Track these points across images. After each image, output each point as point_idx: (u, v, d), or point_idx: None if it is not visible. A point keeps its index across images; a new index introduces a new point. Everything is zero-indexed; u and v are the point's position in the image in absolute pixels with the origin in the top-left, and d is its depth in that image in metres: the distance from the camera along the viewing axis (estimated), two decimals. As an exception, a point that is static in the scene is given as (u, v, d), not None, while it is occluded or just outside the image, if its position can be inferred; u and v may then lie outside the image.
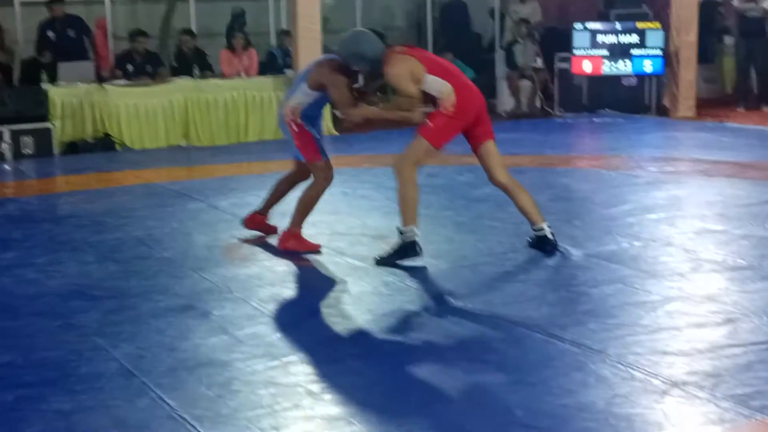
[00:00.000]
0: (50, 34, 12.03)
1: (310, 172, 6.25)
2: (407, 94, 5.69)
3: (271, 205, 6.62)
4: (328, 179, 6.21)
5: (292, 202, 6.30)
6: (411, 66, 5.74)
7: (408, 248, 5.74)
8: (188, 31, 12.78)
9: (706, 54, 15.01)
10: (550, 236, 6.00)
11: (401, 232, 5.77)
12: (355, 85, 5.97)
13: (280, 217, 7.03)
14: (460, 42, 15.22)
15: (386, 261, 5.77)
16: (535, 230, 6.05)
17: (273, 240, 6.42)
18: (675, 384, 3.82)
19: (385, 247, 5.92)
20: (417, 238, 5.74)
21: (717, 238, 6.25)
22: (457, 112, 5.75)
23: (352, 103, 5.89)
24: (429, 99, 5.82)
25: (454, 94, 5.73)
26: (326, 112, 12.10)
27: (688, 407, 3.63)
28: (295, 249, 6.14)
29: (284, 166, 9.10)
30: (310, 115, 6.14)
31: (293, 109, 6.06)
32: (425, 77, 5.73)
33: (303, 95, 6.06)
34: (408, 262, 5.70)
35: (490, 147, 5.98)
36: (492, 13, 15.54)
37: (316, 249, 6.17)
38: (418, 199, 5.78)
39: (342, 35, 6.01)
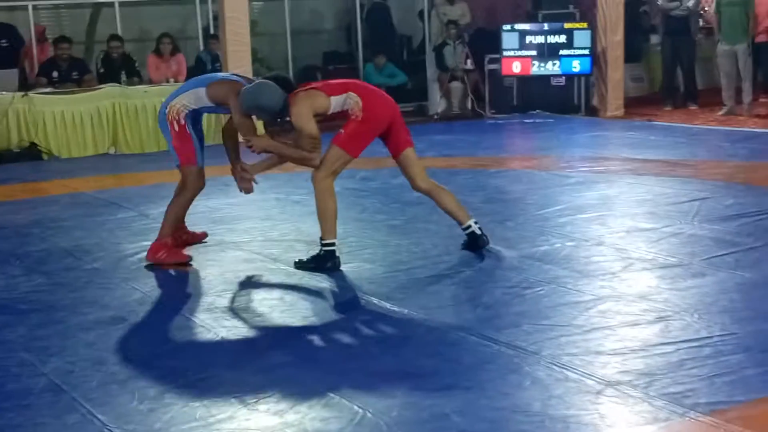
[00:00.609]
0: None
1: (181, 175, 6.11)
2: (308, 133, 5.65)
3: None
4: (199, 187, 6.11)
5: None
6: (311, 100, 5.70)
7: (327, 259, 5.74)
8: (116, 37, 12.60)
9: (633, 53, 15.22)
10: (478, 231, 6.04)
11: (322, 244, 5.76)
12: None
13: (211, 224, 6.96)
14: (388, 44, 15.23)
15: (304, 266, 5.78)
16: (463, 229, 6.08)
17: (202, 248, 6.33)
18: (609, 384, 3.84)
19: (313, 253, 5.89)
20: (336, 250, 5.76)
21: (647, 236, 6.31)
22: (367, 117, 5.74)
23: (253, 131, 5.82)
24: (341, 116, 5.81)
25: (361, 99, 5.73)
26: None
27: (622, 407, 3.65)
28: (165, 260, 5.98)
29: (218, 172, 8.97)
30: (194, 117, 6.06)
31: (179, 108, 5.95)
32: (329, 101, 5.72)
33: (194, 98, 5.95)
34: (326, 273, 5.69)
35: (409, 154, 5.99)
36: (421, 15, 15.58)
37: (185, 260, 6.05)
38: (335, 209, 5.76)
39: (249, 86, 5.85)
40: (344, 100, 5.75)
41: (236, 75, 6.28)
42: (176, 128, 5.97)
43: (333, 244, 5.77)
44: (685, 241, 6.14)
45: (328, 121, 5.87)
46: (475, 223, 6.06)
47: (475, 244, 6.04)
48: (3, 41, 11.97)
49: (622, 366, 4.02)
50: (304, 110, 5.66)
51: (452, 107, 14.41)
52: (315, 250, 5.85)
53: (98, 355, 4.44)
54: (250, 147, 5.84)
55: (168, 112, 5.99)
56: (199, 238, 6.53)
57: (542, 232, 6.50)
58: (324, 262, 5.75)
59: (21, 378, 4.17)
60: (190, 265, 6.00)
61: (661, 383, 3.81)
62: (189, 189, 6.08)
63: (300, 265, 5.82)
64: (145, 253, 6.09)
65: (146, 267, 5.99)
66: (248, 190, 6.07)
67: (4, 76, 11.39)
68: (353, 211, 7.47)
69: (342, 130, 5.77)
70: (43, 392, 3.99)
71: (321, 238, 5.79)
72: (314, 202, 5.79)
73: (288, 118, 5.74)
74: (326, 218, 5.75)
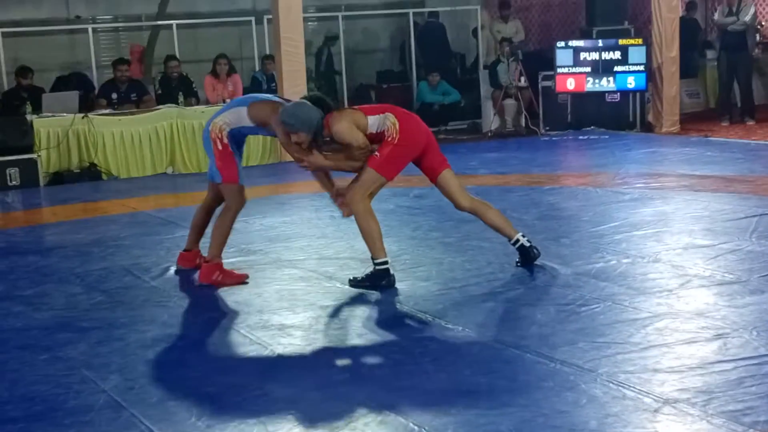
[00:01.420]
0: None
1: (223, 194, 6.16)
2: (357, 144, 5.72)
3: (197, 239, 6.52)
4: (241, 204, 6.16)
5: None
6: (352, 117, 5.78)
7: (381, 277, 5.79)
8: (174, 57, 12.78)
9: (689, 69, 15.09)
10: (527, 243, 6.05)
11: (374, 263, 5.81)
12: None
13: (267, 242, 7.02)
14: (442, 62, 15.27)
15: (359, 284, 5.82)
16: (512, 244, 6.08)
17: (258, 266, 6.38)
18: (667, 401, 3.81)
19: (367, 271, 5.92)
20: (390, 268, 5.81)
21: (704, 253, 6.25)
22: (403, 140, 5.79)
23: (298, 150, 5.85)
24: (378, 138, 5.85)
25: (398, 122, 5.78)
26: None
27: (680, 425, 3.62)
28: (221, 282, 6.01)
29: (273, 191, 9.13)
30: (237, 139, 6.10)
31: (221, 126, 6.01)
32: (368, 120, 5.78)
33: (236, 117, 6.00)
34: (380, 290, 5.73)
35: (446, 175, 6.02)
36: (475, 33, 15.60)
37: (243, 279, 6.07)
38: (378, 228, 5.80)
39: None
40: (382, 121, 5.80)
41: (278, 97, 6.34)
42: (219, 147, 6.03)
43: (386, 262, 5.80)
44: (743, 258, 6.07)
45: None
46: (523, 236, 6.06)
47: (527, 257, 6.04)
48: (133, 95, 12.22)
49: (680, 384, 3.99)
50: (346, 124, 5.73)
51: (506, 124, 14.39)
52: (369, 269, 5.88)
53: (157, 372, 4.50)
54: (303, 166, 5.89)
55: (211, 129, 6.05)
56: None
57: (597, 249, 6.46)
58: (379, 280, 5.78)
59: (82, 395, 4.24)
60: (246, 283, 6.05)
61: (719, 401, 3.78)
62: (233, 207, 6.13)
63: (355, 283, 5.86)
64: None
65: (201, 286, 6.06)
66: (350, 213, 6.02)
67: (62, 98, 11.61)
68: (407, 228, 7.50)
69: (378, 153, 5.81)
70: (103, 409, 4.06)
71: (372, 258, 5.82)
72: (357, 225, 5.82)
73: (326, 138, 5.82)
74: (372, 238, 5.79)
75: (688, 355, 4.35)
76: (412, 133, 5.85)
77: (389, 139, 5.79)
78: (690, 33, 15.09)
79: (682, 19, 13.80)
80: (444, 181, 6.02)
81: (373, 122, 5.80)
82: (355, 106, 5.99)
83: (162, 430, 3.79)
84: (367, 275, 5.86)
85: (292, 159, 5.97)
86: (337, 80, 15.32)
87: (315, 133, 5.77)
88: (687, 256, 6.18)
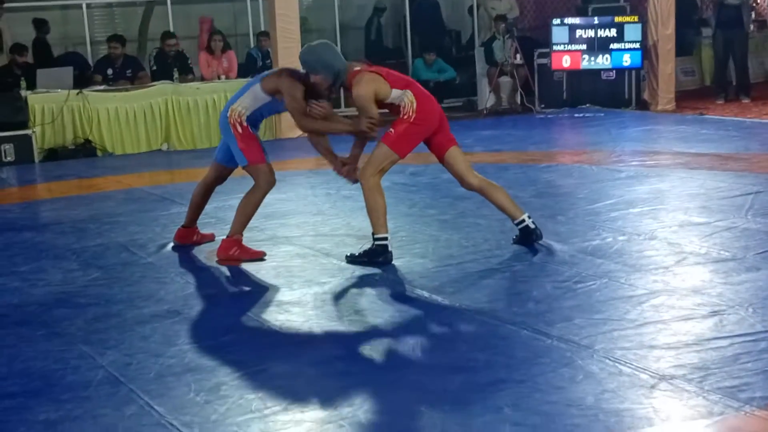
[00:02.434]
0: None
1: (250, 175, 6.14)
2: (369, 114, 5.74)
3: (195, 216, 6.51)
4: (271, 183, 6.11)
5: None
6: (377, 85, 5.77)
7: (378, 253, 5.80)
8: (171, 34, 12.73)
9: (684, 46, 15.07)
10: (532, 226, 6.04)
11: (374, 238, 5.82)
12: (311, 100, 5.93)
13: (263, 219, 7.02)
14: (437, 39, 15.22)
15: (356, 260, 5.84)
16: (516, 224, 6.08)
17: (254, 243, 6.39)
18: (663, 378, 3.83)
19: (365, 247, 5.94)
20: (387, 245, 5.81)
21: (700, 230, 6.27)
22: (419, 119, 5.80)
23: (304, 113, 5.86)
24: (393, 110, 5.87)
25: (416, 100, 5.79)
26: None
27: (676, 401, 3.63)
28: (238, 257, 6.01)
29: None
30: (254, 119, 6.10)
31: (240, 111, 6.00)
32: (391, 93, 5.79)
33: (253, 98, 6.00)
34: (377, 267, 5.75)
35: (453, 152, 6.02)
36: (471, 10, 15.55)
37: (260, 256, 6.07)
38: (384, 205, 5.81)
39: (309, 43, 6.01)
40: (401, 96, 5.79)
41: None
42: (240, 130, 6.02)
43: (385, 239, 5.81)
44: (738, 235, 6.08)
45: (379, 109, 5.91)
46: (529, 217, 6.06)
47: (528, 238, 6.04)
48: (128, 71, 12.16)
49: (676, 360, 4.01)
50: (369, 93, 5.73)
51: (501, 102, 14.37)
52: (367, 245, 5.89)
53: (155, 347, 4.51)
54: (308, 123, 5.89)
55: (230, 115, 6.03)
56: (208, 239, 6.56)
57: (593, 227, 6.47)
58: (376, 256, 5.80)
59: (80, 370, 4.25)
60: (264, 259, 6.04)
61: (715, 377, 3.80)
62: (261, 186, 6.09)
63: (351, 259, 5.87)
64: (215, 250, 6.15)
65: (218, 263, 6.03)
66: (356, 179, 6.02)
67: (56, 74, 11.57)
68: (403, 205, 7.50)
69: (392, 129, 5.82)
70: (101, 384, 4.07)
71: (372, 233, 5.83)
72: (364, 199, 5.83)
73: (341, 86, 5.86)
74: (376, 214, 5.80)
75: (684, 332, 4.37)
76: (427, 113, 5.85)
77: (405, 116, 5.79)
78: (686, 10, 15.06)
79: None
80: (452, 158, 6.02)
81: (395, 95, 5.80)
82: (384, 71, 5.90)
83: (161, 405, 3.79)
84: (365, 251, 5.87)
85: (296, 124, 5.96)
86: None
87: (334, 80, 5.77)
88: (683, 234, 6.20)
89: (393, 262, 5.77)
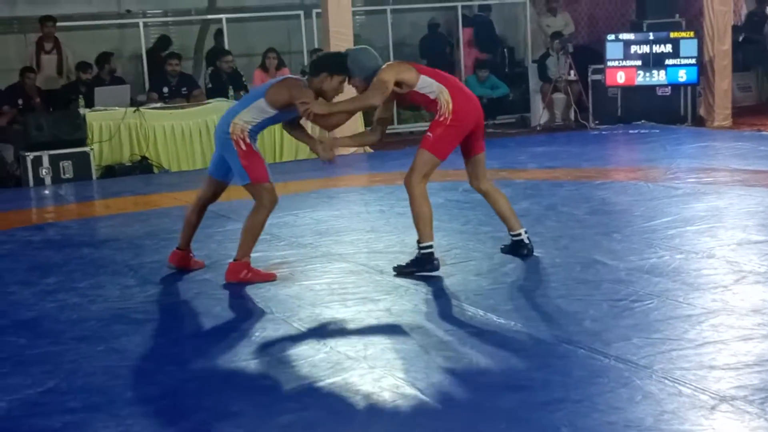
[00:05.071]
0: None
1: (251, 194, 6.01)
2: (370, 103, 5.82)
3: (190, 237, 6.38)
4: (274, 202, 5.99)
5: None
6: (399, 68, 5.86)
7: (425, 261, 5.86)
8: (228, 52, 12.87)
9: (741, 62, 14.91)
10: (526, 241, 6.20)
11: (420, 247, 5.87)
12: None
13: (317, 236, 7.03)
14: (491, 55, 15.19)
15: (404, 271, 5.90)
16: (512, 235, 6.23)
17: (308, 260, 6.41)
18: (723, 399, 3.77)
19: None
20: (433, 253, 5.88)
21: (759, 248, 6.18)
22: (455, 120, 5.84)
23: (312, 97, 5.82)
24: (430, 105, 5.91)
25: (452, 100, 5.81)
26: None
27: (738, 423, 3.58)
28: (250, 279, 5.94)
29: (322, 185, 9.14)
30: (254, 133, 5.95)
31: (242, 126, 5.86)
32: (419, 79, 5.85)
33: (258, 112, 5.86)
34: (425, 274, 5.85)
35: (481, 158, 6.16)
36: (470, 40, 15.51)
37: (272, 278, 6.00)
38: (431, 212, 5.88)
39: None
40: (437, 90, 5.84)
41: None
42: (243, 147, 5.86)
43: (431, 246, 5.86)
44: (799, 254, 5.99)
45: (412, 101, 5.99)
46: (525, 232, 6.23)
47: (518, 249, 6.20)
48: (183, 89, 12.35)
49: (737, 381, 3.95)
50: (389, 76, 5.77)
51: (555, 118, 14.32)
52: (414, 255, 5.92)
53: (212, 364, 4.54)
54: (306, 113, 5.79)
55: (231, 131, 5.86)
56: (199, 266, 6.45)
57: (650, 245, 6.41)
58: (424, 264, 5.84)
59: (139, 386, 4.29)
60: (275, 280, 5.99)
61: (777, 399, 3.74)
62: (266, 206, 5.95)
63: (399, 270, 5.91)
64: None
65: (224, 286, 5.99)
66: (330, 158, 6.00)
67: (114, 92, 11.74)
68: (457, 222, 7.49)
69: (430, 134, 5.88)
70: (160, 399, 4.10)
71: (418, 242, 5.88)
72: (410, 208, 5.88)
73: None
74: (423, 222, 5.85)
75: (744, 352, 4.30)
76: (464, 113, 5.88)
77: (441, 119, 5.83)
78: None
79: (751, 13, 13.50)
80: (478, 161, 6.13)
81: (425, 83, 5.86)
82: (413, 63, 6.07)
83: (218, 421, 3.82)
84: (411, 260, 5.92)
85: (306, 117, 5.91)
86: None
87: (370, 78, 5.83)
88: (741, 252, 6.11)
89: (447, 280, 5.76)
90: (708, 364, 4.17)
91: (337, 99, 5.95)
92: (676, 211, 7.51)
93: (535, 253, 6.28)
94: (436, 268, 5.86)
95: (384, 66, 5.89)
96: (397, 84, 5.83)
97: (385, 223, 7.66)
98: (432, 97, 5.87)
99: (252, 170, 5.91)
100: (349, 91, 6.01)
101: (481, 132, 6.08)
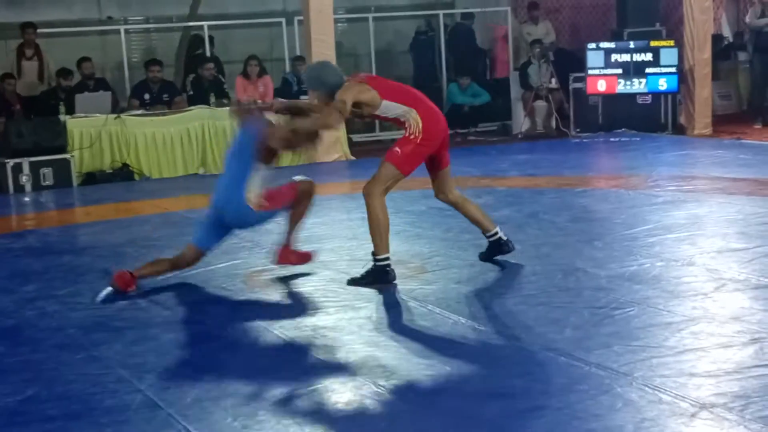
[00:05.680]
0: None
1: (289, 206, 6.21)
2: (326, 123, 5.86)
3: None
4: (310, 191, 6.23)
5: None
6: (361, 91, 5.81)
7: (381, 273, 5.85)
8: (209, 59, 12.85)
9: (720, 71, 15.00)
10: (504, 237, 6.24)
11: (375, 259, 5.86)
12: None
13: (299, 243, 7.03)
14: (472, 64, 15.23)
15: (358, 283, 5.89)
16: (488, 237, 6.25)
17: (289, 268, 6.40)
18: (703, 406, 3.79)
19: (405, 272, 5.95)
20: (389, 265, 5.88)
21: (739, 256, 6.21)
22: (425, 139, 5.85)
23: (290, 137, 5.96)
24: (398, 123, 5.95)
25: (421, 121, 5.82)
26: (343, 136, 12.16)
27: (717, 430, 3.59)
28: (294, 262, 6.28)
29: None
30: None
31: (255, 194, 5.93)
32: (381, 104, 5.84)
33: (257, 177, 5.96)
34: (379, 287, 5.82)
35: (447, 170, 6.20)
36: (505, 35, 15.56)
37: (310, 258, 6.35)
38: (388, 224, 5.87)
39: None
40: (402, 112, 5.85)
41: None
42: (266, 204, 6.00)
43: (387, 259, 5.87)
44: (778, 262, 6.02)
45: (377, 119, 6.00)
46: (500, 230, 6.26)
47: (498, 250, 6.23)
48: (165, 96, 12.33)
49: (717, 388, 3.97)
50: (348, 96, 5.73)
51: (536, 126, 14.36)
52: (368, 266, 5.94)
53: (192, 372, 4.53)
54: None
55: (251, 205, 5.92)
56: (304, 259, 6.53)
57: (631, 252, 6.43)
58: (378, 276, 5.84)
59: (118, 394, 4.27)
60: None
61: (757, 406, 3.75)
62: (308, 192, 6.23)
63: (353, 281, 5.91)
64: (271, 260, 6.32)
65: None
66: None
67: (95, 99, 11.70)
68: (439, 230, 7.49)
69: (398, 149, 5.87)
70: (139, 408, 4.09)
71: (373, 254, 5.87)
72: (404, 221, 5.89)
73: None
74: (380, 234, 5.84)
75: (724, 360, 4.32)
76: (434, 132, 5.90)
77: (411, 137, 5.84)
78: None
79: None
80: (444, 174, 6.17)
81: (388, 108, 5.86)
82: (376, 81, 6.00)
83: (199, 430, 3.81)
84: (367, 272, 5.91)
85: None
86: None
87: (332, 94, 5.81)
88: (721, 260, 6.15)
89: (428, 287, 5.76)
90: (688, 372, 4.19)
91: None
92: (656, 218, 7.54)
93: (516, 261, 6.29)
94: (391, 280, 5.85)
95: (345, 84, 5.84)
96: (356, 105, 5.81)
97: (367, 231, 7.62)
98: (401, 119, 5.89)
99: (277, 202, 6.07)
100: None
101: (447, 146, 6.11)
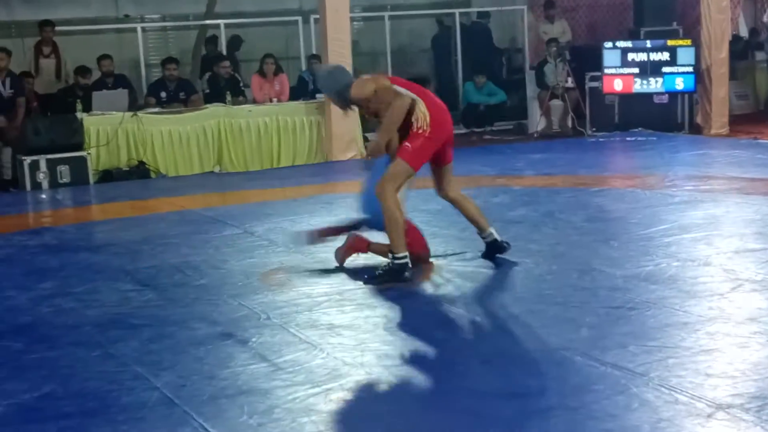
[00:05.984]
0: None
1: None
2: (365, 98, 5.90)
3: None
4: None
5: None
6: (374, 83, 5.91)
7: (397, 271, 5.86)
8: (225, 57, 12.87)
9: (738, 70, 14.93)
10: (498, 237, 6.26)
11: (393, 257, 5.86)
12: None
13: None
14: (488, 62, 15.21)
15: (374, 281, 5.89)
16: (484, 237, 6.29)
17: (307, 265, 6.41)
18: (720, 407, 3.77)
19: (421, 271, 5.93)
20: (408, 263, 5.88)
21: (756, 256, 6.18)
22: (433, 132, 5.88)
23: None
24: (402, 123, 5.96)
25: (429, 113, 5.86)
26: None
27: (734, 431, 3.58)
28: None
29: (319, 190, 9.13)
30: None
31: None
32: (393, 88, 5.90)
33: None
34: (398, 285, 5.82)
35: (450, 167, 6.24)
36: (522, 34, 15.55)
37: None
38: (404, 222, 5.89)
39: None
40: (411, 102, 5.86)
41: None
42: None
43: (405, 256, 5.85)
44: (795, 262, 5.99)
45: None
46: (495, 230, 6.29)
47: (495, 249, 6.24)
48: (181, 94, 12.37)
49: (733, 389, 3.95)
50: (368, 85, 5.89)
51: (552, 125, 14.33)
52: (386, 263, 5.95)
53: (208, 369, 4.54)
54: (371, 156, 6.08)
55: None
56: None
57: (647, 252, 6.41)
58: (397, 274, 5.84)
59: (135, 391, 4.28)
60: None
61: (773, 407, 3.74)
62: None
63: (370, 280, 5.92)
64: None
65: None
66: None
67: (112, 96, 11.73)
68: (454, 229, 7.47)
69: (408, 144, 5.88)
70: (156, 405, 4.10)
71: (391, 252, 5.86)
72: (421, 219, 5.90)
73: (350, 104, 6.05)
74: (396, 231, 5.85)
75: (740, 360, 4.31)
76: (441, 124, 5.94)
77: (420, 131, 5.86)
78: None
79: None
80: (446, 171, 6.21)
81: (399, 94, 5.89)
82: (384, 75, 6.22)
83: (214, 427, 3.82)
84: (384, 270, 5.90)
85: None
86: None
87: (341, 96, 5.97)
88: (738, 260, 6.12)
89: (445, 286, 5.75)
90: (704, 372, 4.18)
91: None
92: (673, 218, 7.51)
93: (532, 261, 6.28)
94: (410, 279, 5.86)
95: (363, 78, 5.99)
96: (369, 100, 5.91)
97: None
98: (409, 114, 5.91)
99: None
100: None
101: (452, 143, 6.15)
